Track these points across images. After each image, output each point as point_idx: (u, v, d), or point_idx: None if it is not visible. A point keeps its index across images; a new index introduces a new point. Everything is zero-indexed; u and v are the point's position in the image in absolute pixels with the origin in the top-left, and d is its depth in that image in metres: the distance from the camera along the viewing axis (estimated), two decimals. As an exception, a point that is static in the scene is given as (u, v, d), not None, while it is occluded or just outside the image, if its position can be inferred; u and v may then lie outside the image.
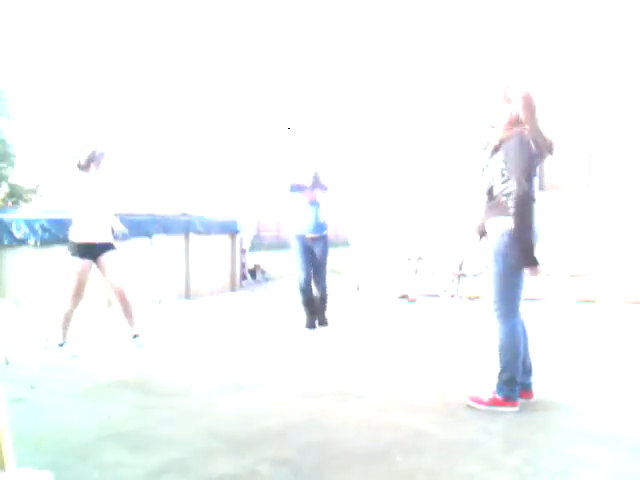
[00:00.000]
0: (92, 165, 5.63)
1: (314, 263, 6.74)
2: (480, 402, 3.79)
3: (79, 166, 5.63)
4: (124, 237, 6.20)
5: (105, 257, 5.54)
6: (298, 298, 6.80)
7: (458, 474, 2.85)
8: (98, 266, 5.55)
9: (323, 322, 6.79)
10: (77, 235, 5.49)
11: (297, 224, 6.72)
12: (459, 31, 9.06)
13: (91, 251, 5.47)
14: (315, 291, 6.80)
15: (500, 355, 3.74)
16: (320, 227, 6.71)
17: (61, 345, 5.48)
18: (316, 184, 6.67)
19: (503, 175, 3.65)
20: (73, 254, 5.45)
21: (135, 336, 5.67)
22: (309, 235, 6.68)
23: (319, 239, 6.72)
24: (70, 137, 20.72)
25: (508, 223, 3.60)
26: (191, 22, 23.90)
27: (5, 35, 20.67)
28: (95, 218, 5.54)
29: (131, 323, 5.69)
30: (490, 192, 3.75)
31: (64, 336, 5.49)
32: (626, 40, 8.25)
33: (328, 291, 6.88)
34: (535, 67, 8.63)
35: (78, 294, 5.47)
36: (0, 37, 20.41)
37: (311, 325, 6.70)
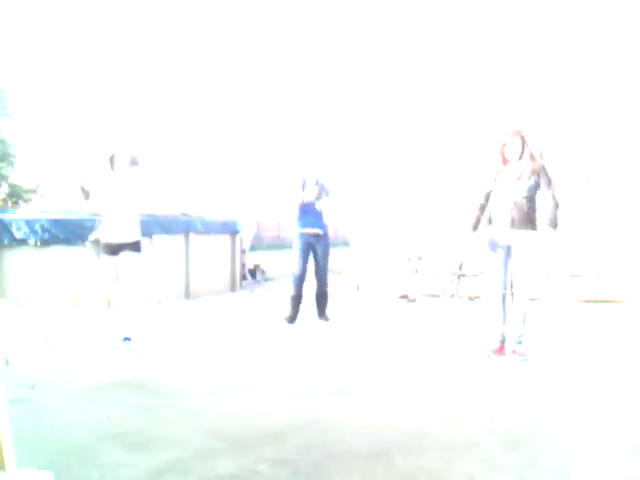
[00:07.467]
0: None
1: (315, 260, 6.86)
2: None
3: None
4: None
5: None
6: (289, 291, 6.93)
7: (458, 474, 2.85)
8: None
9: (323, 317, 6.88)
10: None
11: (299, 221, 6.82)
12: (457, 31, 9.06)
13: None
14: (317, 288, 6.91)
15: (527, 318, 4.92)
16: (322, 224, 6.83)
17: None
18: (320, 190, 6.80)
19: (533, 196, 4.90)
20: None
21: None
22: (311, 231, 6.78)
23: (321, 237, 6.83)
24: (70, 137, 20.73)
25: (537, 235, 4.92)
26: (191, 23, 23.89)
27: (5, 35, 20.67)
28: None
29: None
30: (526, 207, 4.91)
31: None
32: (625, 41, 8.25)
33: (329, 288, 6.98)
34: (536, 67, 8.63)
35: None
36: (0, 37, 20.40)
37: (292, 320, 6.82)
